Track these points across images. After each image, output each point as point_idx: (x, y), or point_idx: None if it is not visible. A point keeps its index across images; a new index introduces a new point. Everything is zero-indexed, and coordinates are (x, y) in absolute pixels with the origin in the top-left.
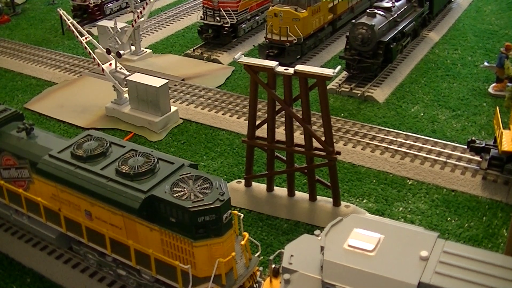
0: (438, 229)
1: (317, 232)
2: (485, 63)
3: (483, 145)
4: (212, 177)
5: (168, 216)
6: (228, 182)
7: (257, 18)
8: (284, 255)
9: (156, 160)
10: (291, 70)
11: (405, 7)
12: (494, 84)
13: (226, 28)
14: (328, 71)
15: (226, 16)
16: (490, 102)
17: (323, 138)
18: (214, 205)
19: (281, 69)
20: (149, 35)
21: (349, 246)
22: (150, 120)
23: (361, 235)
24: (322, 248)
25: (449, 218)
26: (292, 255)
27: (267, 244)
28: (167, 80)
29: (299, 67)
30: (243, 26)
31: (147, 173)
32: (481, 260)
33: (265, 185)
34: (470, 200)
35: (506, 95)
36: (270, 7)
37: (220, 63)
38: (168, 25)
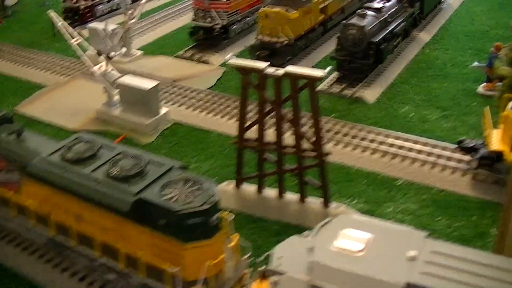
0: (428, 229)
1: (306, 233)
2: (476, 63)
3: (473, 144)
4: (202, 178)
5: (157, 218)
6: (218, 184)
7: (248, 19)
8: (273, 257)
9: (146, 162)
10: (281, 72)
11: (396, 7)
12: (484, 84)
13: (217, 30)
14: (319, 72)
15: (217, 18)
16: (481, 102)
17: (313, 139)
18: (203, 207)
19: (271, 70)
20: (140, 36)
21: (338, 247)
22: (141, 122)
23: (349, 236)
24: (310, 249)
25: (438, 218)
26: (281, 257)
27: (257, 245)
28: (158, 82)
29: (290, 68)
30: (234, 27)
31: (137, 175)
32: (470, 260)
33: (256, 186)
34: (459, 200)
35: (497, 95)
36: (261, 8)
37: (211, 64)
38: (159, 27)
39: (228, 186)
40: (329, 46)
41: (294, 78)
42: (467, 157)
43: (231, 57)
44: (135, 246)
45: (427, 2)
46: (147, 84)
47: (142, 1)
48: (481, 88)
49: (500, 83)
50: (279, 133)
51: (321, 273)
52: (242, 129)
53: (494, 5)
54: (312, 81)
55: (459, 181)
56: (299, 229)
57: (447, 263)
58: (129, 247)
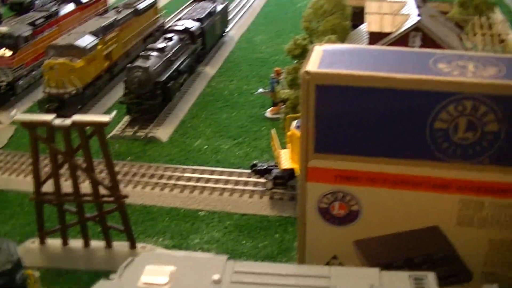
0: (235, 253)
1: (112, 276)
2: (259, 90)
3: (265, 167)
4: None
5: None
6: (22, 243)
7: (34, 73)
8: None
9: None
10: (68, 121)
11: (179, 45)
12: (270, 108)
13: (2, 87)
14: (104, 118)
15: (1, 74)
16: (269, 126)
17: (109, 184)
18: (5, 267)
19: (58, 121)
20: None
21: (144, 283)
22: None
23: (153, 271)
24: None
25: (243, 242)
26: None
27: None
28: None
29: (76, 117)
30: (21, 82)
31: None
32: (273, 273)
33: (60, 239)
34: (261, 221)
35: (282, 117)
36: (46, 61)
37: (1, 123)
38: None
39: (32, 243)
40: (118, 91)
41: (81, 126)
42: (262, 180)
43: (16, 113)
44: None
45: (208, 37)
46: None
47: None
48: (268, 113)
49: (284, 106)
50: (75, 183)
51: None
52: (38, 184)
53: (272, 34)
54: (100, 127)
55: (258, 203)
56: (110, 275)
57: (251, 280)
58: None
